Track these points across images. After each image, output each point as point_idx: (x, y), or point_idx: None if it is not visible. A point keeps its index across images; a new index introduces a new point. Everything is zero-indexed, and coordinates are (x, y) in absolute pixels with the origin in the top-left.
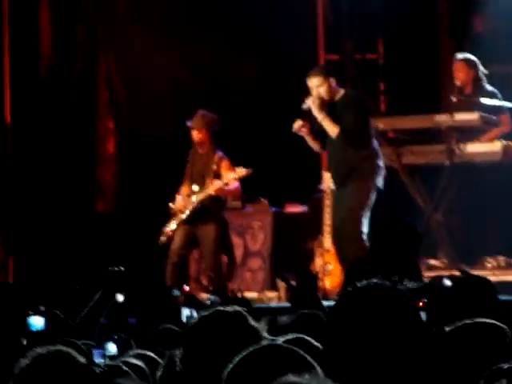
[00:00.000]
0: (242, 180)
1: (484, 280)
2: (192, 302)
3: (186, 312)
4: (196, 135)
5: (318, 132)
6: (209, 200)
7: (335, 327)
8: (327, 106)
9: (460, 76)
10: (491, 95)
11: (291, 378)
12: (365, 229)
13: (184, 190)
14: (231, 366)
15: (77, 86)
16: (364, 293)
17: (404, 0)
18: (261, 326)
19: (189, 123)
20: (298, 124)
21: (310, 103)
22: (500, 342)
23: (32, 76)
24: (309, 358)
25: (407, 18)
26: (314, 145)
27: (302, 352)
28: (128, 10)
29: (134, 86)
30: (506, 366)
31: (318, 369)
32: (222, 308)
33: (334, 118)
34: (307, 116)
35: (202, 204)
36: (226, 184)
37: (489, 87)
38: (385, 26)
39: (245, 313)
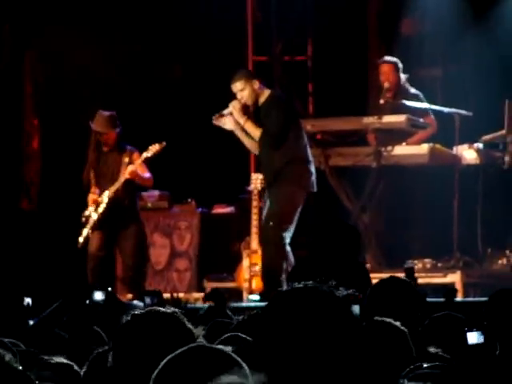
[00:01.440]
0: (168, 179)
1: (405, 282)
2: (115, 302)
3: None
4: (106, 137)
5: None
6: (124, 197)
7: (267, 326)
8: (253, 109)
9: (388, 78)
10: (415, 98)
11: (224, 379)
12: (287, 234)
13: (93, 186)
14: (159, 367)
15: (2, 84)
16: (296, 294)
17: (333, 1)
18: (197, 330)
19: (94, 127)
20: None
21: (231, 108)
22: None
23: None
24: (237, 357)
25: (337, 20)
26: (248, 142)
27: (229, 352)
28: (52, 8)
29: (58, 84)
30: (425, 364)
31: (246, 368)
32: (157, 308)
33: (259, 121)
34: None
35: (116, 202)
36: (140, 168)
37: (412, 89)
38: (314, 27)
39: (180, 314)
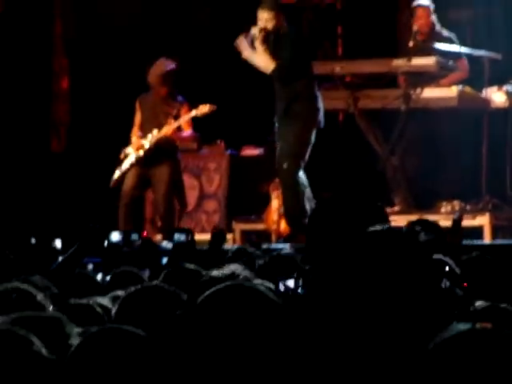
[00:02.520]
0: (199, 120)
1: (433, 225)
2: (149, 246)
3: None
4: (157, 83)
5: None
6: (164, 141)
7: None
8: (271, 39)
9: (421, 22)
10: (448, 40)
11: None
12: (301, 173)
13: (136, 132)
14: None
15: (32, 23)
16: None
17: None
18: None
19: (151, 72)
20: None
21: (256, 33)
22: None
23: None
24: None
25: None
26: (267, 59)
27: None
28: None
29: (90, 23)
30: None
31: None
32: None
33: (274, 51)
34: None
35: (157, 145)
36: (185, 124)
37: (445, 32)
38: None
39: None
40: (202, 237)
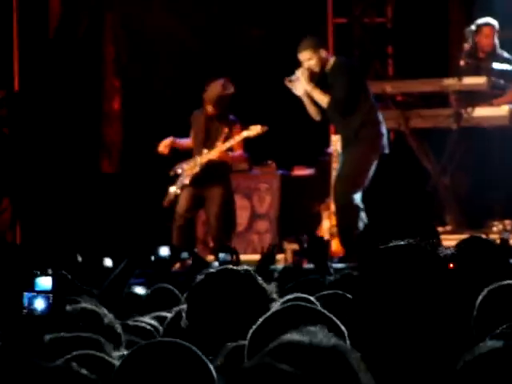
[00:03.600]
0: (251, 141)
1: (490, 242)
2: (200, 263)
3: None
4: (208, 107)
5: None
6: (216, 162)
7: (369, 286)
8: (320, 76)
9: (487, 41)
10: (508, 62)
11: (293, 336)
12: (357, 196)
13: (193, 150)
14: (255, 325)
15: (83, 45)
16: (398, 251)
17: None
18: (270, 287)
19: (208, 89)
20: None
21: (300, 75)
22: None
23: (41, 36)
24: (333, 317)
25: None
26: (312, 110)
27: (326, 312)
28: None
29: (139, 45)
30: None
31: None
32: (230, 266)
33: (326, 88)
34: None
35: (209, 166)
36: (236, 145)
37: (506, 54)
38: None
39: (253, 273)
40: (254, 257)
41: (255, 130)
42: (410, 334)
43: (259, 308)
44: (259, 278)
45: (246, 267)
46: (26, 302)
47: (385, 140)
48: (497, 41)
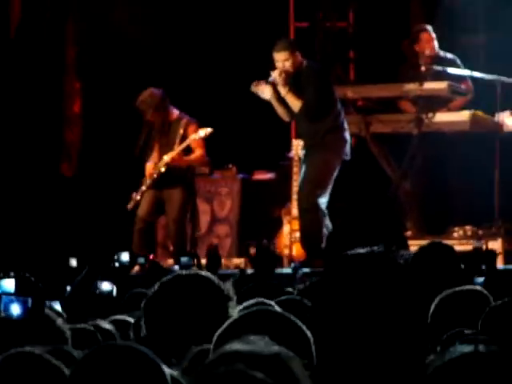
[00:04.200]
0: (211, 144)
1: (447, 247)
2: (157, 269)
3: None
4: (151, 116)
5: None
6: (175, 165)
7: (326, 295)
8: (292, 77)
9: (427, 46)
10: (452, 62)
11: (236, 345)
12: (323, 200)
13: (154, 155)
14: (221, 329)
15: (44, 46)
16: (359, 259)
17: None
18: (226, 286)
19: (139, 106)
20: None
21: (277, 76)
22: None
23: (1, 36)
24: (298, 322)
25: None
26: (281, 111)
27: (291, 316)
28: None
29: (101, 46)
30: (467, 331)
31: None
32: (183, 272)
33: (298, 89)
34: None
35: (169, 169)
36: (196, 146)
37: (448, 55)
38: None
39: (207, 274)
40: None
41: (202, 133)
42: (371, 340)
43: (218, 307)
44: (214, 278)
45: (199, 271)
46: (2, 306)
47: (348, 147)
48: (436, 43)
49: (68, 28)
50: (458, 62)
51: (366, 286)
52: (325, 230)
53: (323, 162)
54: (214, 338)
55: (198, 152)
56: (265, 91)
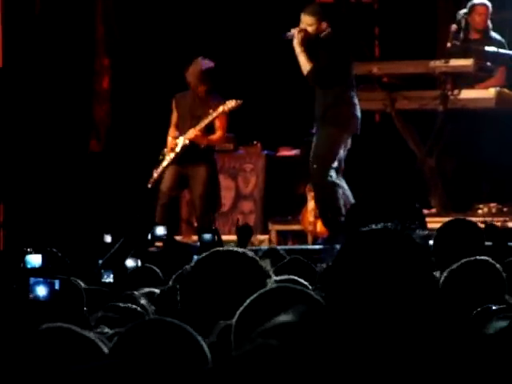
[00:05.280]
0: (236, 121)
1: (471, 224)
2: (173, 245)
3: None
4: (194, 85)
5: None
6: (199, 144)
7: (342, 272)
8: (312, 42)
9: (480, 19)
10: (499, 44)
11: (282, 318)
12: (332, 173)
13: (173, 131)
14: (242, 308)
15: (75, 23)
16: (376, 236)
17: None
18: (265, 263)
19: (189, 71)
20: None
21: (295, 33)
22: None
23: (26, 11)
24: (320, 299)
25: None
26: (305, 61)
27: (314, 294)
28: None
29: (130, 24)
30: (494, 307)
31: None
32: (221, 249)
33: (313, 54)
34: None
35: (193, 145)
36: (218, 124)
37: (497, 36)
38: None
39: (247, 251)
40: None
41: (230, 104)
42: (388, 319)
43: (256, 285)
44: (253, 255)
45: (235, 248)
46: (30, 287)
47: (357, 121)
48: (489, 22)
49: (97, 4)
50: (505, 44)
51: (380, 264)
52: (341, 201)
53: (328, 137)
54: (236, 316)
55: (219, 133)
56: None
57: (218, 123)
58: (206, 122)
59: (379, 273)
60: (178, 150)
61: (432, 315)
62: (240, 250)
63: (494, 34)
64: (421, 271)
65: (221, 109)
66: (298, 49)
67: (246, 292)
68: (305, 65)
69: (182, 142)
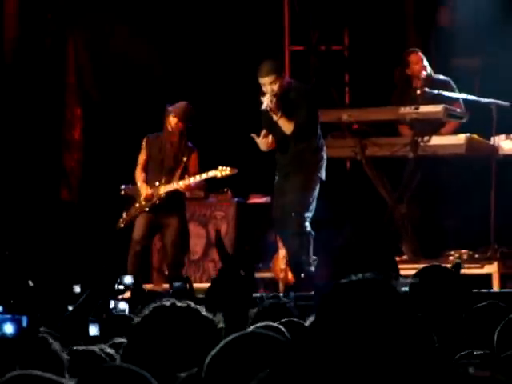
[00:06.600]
0: (204, 169)
1: (449, 271)
2: (140, 293)
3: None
4: (175, 123)
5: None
6: (173, 195)
7: (326, 326)
8: (282, 98)
9: (419, 68)
10: (444, 84)
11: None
12: (307, 222)
13: (141, 173)
14: (213, 352)
15: (45, 72)
16: (356, 286)
17: None
18: (217, 318)
19: (170, 109)
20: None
21: (269, 104)
22: None
23: None
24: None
25: (373, 9)
26: (265, 141)
27: (283, 338)
28: None
29: (102, 71)
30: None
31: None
32: (168, 302)
33: (286, 111)
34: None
35: (168, 194)
36: (192, 171)
37: (441, 76)
38: (351, 17)
39: (197, 306)
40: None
41: (224, 171)
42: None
43: (208, 341)
44: (203, 310)
45: (187, 302)
46: None
47: (324, 168)
48: (427, 65)
49: (69, 54)
50: (452, 84)
51: (363, 315)
52: (312, 252)
53: (308, 182)
54: (207, 360)
55: (195, 178)
56: (263, 143)
57: (192, 168)
58: (198, 179)
59: (364, 326)
60: (156, 201)
61: (424, 369)
62: (184, 304)
63: (436, 76)
64: (405, 322)
65: (212, 173)
66: (276, 116)
67: (192, 344)
68: (287, 126)
69: (160, 191)
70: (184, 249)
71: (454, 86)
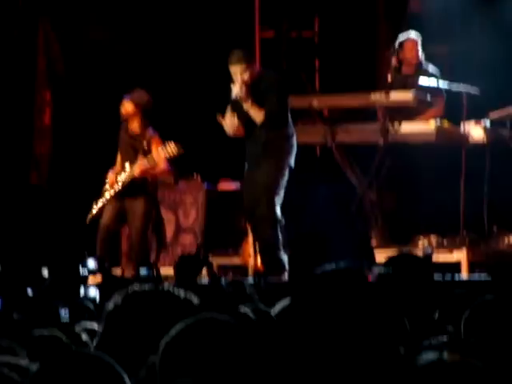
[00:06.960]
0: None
1: (420, 259)
2: (109, 279)
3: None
4: (131, 108)
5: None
6: (137, 179)
7: (298, 317)
8: (252, 86)
9: (411, 55)
10: (433, 76)
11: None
12: (278, 208)
13: (117, 166)
14: (168, 337)
15: (15, 56)
16: (331, 277)
17: None
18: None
19: (126, 97)
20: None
21: (239, 92)
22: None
23: None
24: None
25: None
26: (231, 125)
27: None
28: None
29: (72, 58)
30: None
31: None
32: (143, 287)
33: (256, 99)
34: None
35: (133, 179)
36: (154, 164)
37: (431, 67)
38: (321, 3)
39: (172, 288)
40: None
41: (171, 150)
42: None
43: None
44: (180, 291)
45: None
46: None
47: (293, 155)
48: (421, 54)
49: (39, 39)
50: (439, 75)
51: (337, 305)
52: (281, 239)
53: (278, 169)
54: (161, 347)
55: (162, 166)
56: (229, 124)
57: (157, 156)
58: (152, 160)
59: (337, 317)
60: (119, 184)
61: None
62: (155, 287)
63: (427, 67)
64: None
65: (161, 155)
66: (246, 105)
67: (167, 327)
68: (257, 115)
69: (121, 178)
70: (158, 236)
71: (441, 78)
